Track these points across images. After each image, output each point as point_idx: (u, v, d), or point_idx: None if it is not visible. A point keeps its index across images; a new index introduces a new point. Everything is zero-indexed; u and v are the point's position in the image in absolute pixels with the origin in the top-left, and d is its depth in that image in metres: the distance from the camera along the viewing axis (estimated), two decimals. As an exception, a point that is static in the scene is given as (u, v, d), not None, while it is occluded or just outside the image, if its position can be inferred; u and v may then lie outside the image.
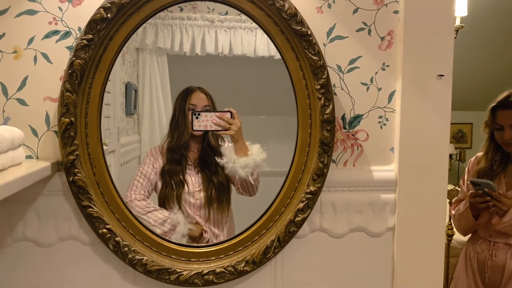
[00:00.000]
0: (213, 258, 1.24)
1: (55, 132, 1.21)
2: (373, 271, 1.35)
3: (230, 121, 1.28)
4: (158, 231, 1.27)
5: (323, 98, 1.22)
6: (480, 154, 2.06)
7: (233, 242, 1.25)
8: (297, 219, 1.24)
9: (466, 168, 2.12)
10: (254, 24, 1.30)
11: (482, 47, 4.52)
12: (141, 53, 1.39)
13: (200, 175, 1.37)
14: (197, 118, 1.27)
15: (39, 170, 1.08)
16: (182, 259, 1.23)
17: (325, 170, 1.24)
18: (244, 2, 1.20)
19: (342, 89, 1.30)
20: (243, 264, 1.23)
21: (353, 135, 1.32)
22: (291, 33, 1.21)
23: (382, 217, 1.33)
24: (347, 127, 1.32)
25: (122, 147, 1.41)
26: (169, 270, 1.20)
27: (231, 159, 1.31)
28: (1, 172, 0.98)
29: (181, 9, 1.34)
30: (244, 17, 1.29)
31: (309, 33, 1.20)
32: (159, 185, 1.36)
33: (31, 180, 1.04)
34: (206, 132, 1.35)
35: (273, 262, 1.30)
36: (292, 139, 1.29)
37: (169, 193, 1.35)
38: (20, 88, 1.19)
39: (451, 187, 2.34)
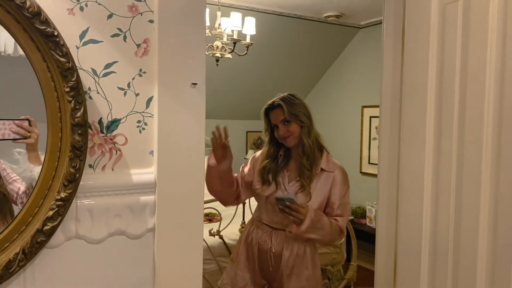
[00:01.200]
0: None
1: None
2: (135, 273, 1.37)
3: (29, 129, 1.20)
4: None
5: (73, 101, 1.20)
6: (264, 150, 2.27)
7: (-34, 259, 1.12)
8: (45, 228, 1.18)
9: (250, 160, 2.30)
10: None
11: (270, 63, 5.06)
12: None
13: None
14: None
15: None
16: None
17: (77, 175, 1.22)
18: (-23, -5, 1.10)
19: (98, 93, 1.30)
20: (-22, 283, 1.12)
21: (111, 139, 1.33)
22: (35, 32, 1.15)
23: (142, 219, 1.37)
24: (105, 131, 1.32)
25: None
26: None
27: (28, 169, 1.22)
28: None
29: None
30: None
31: (55, 33, 1.16)
32: None
33: None
34: None
35: (22, 276, 1.21)
36: None
37: None
38: None
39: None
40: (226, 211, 3.45)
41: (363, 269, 4.34)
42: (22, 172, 1.23)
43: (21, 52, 1.19)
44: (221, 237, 3.19)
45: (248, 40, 3.85)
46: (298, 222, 2.01)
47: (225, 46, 3.65)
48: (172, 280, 1.41)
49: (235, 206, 3.11)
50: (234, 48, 3.71)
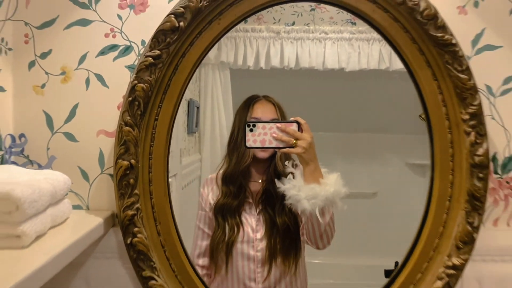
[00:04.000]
0: None
1: (111, 175, 0.93)
2: None
3: (297, 134, 0.91)
4: None
5: (473, 133, 0.87)
6: None
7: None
8: (432, 304, 0.89)
9: None
10: (323, 35, 1.23)
11: None
12: (203, 68, 1.29)
13: (262, 216, 1.03)
14: (251, 130, 0.92)
15: (89, 233, 0.81)
16: None
17: (474, 235, 0.88)
18: (361, 2, 0.88)
19: (493, 118, 0.94)
20: None
21: (507, 182, 0.95)
22: (427, 42, 0.87)
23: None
24: (500, 172, 0.95)
25: (183, 169, 1.26)
26: None
27: (296, 185, 0.93)
28: (37, 242, 0.71)
29: (246, 21, 1.15)
30: (312, 27, 1.22)
31: (454, 42, 0.86)
32: (214, 225, 1.05)
33: (78, 249, 0.76)
34: (274, 154, 1.03)
35: None
36: (362, 158, 1.25)
37: (219, 239, 1.02)
38: (68, 120, 0.94)
39: None
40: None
41: None
42: (288, 189, 0.93)
43: (354, 66, 1.10)
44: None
45: None
46: None
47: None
48: None
49: None
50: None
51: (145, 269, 0.87)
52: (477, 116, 0.86)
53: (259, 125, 0.92)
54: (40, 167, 0.93)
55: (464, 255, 0.88)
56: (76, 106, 0.94)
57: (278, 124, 0.92)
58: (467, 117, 0.87)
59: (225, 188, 1.05)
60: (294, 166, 0.96)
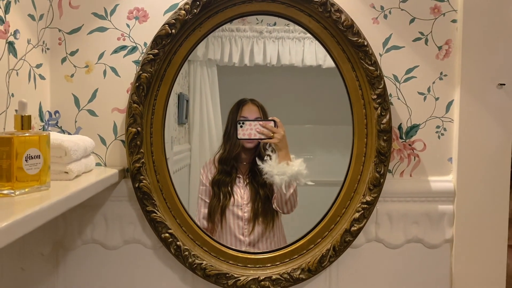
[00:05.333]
0: (269, 265, 1.27)
1: (122, 141, 1.28)
2: (430, 283, 1.33)
3: (274, 129, 1.30)
4: None
5: (379, 108, 1.23)
6: None
7: (288, 249, 1.28)
8: (352, 228, 1.25)
9: None
10: (302, 34, 1.35)
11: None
12: (192, 64, 1.41)
13: (248, 187, 1.38)
14: (241, 127, 1.30)
15: (108, 177, 1.16)
16: (239, 264, 1.27)
17: (381, 180, 1.25)
18: (301, 16, 1.23)
19: (398, 98, 1.30)
20: (298, 272, 1.25)
21: (409, 145, 1.31)
22: (347, 44, 1.22)
23: (440, 229, 1.31)
24: (404, 137, 1.31)
25: (175, 155, 1.43)
26: (227, 275, 1.24)
27: (271, 165, 1.31)
28: (76, 179, 1.05)
29: (231, 21, 1.34)
30: (292, 27, 1.33)
31: (365, 43, 1.21)
32: (211, 195, 1.38)
33: (101, 186, 1.11)
34: (258, 144, 1.37)
35: (328, 271, 1.31)
36: (340, 148, 1.36)
37: (215, 204, 1.36)
38: (90, 100, 1.28)
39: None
40: None
41: None
42: (264, 167, 1.31)
43: (331, 63, 1.27)
44: None
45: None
46: None
47: None
48: (470, 296, 1.32)
49: None
50: None
51: (148, 205, 1.23)
52: (382, 96, 1.22)
53: (247, 122, 1.30)
54: (70, 135, 1.28)
55: (374, 194, 1.24)
56: (96, 90, 1.28)
57: (260, 122, 1.30)
58: (375, 97, 1.23)
59: (220, 167, 1.38)
60: (272, 151, 1.32)
